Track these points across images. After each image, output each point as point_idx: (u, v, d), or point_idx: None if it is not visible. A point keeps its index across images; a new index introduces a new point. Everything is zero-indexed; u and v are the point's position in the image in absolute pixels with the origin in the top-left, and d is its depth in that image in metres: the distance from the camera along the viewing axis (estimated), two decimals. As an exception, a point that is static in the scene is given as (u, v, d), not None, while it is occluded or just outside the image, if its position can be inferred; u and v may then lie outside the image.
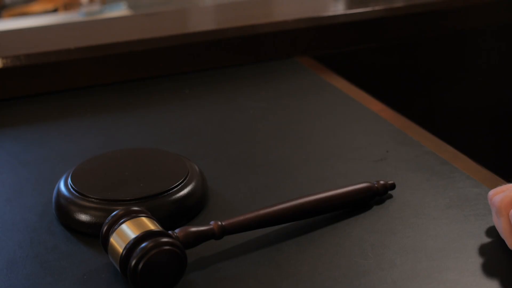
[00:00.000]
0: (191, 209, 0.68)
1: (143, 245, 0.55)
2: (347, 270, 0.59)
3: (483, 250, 0.61)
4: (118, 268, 0.57)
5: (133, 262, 0.55)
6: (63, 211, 0.67)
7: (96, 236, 0.64)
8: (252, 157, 0.81)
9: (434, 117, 1.33)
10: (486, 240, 0.62)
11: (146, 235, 0.56)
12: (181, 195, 0.67)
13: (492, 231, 0.64)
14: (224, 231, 0.61)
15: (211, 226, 0.60)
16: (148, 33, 1.12)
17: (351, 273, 0.58)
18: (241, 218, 0.62)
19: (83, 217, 0.65)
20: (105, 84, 1.06)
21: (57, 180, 0.71)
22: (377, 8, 1.22)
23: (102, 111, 0.97)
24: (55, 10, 3.18)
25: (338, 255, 0.61)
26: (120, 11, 2.91)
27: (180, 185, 0.68)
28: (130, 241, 0.56)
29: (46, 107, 0.99)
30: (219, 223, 0.61)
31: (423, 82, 1.33)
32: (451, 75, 1.35)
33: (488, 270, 0.58)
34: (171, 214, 0.66)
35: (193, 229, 0.60)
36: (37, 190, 0.74)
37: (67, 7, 3.20)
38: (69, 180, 0.68)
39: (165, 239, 0.56)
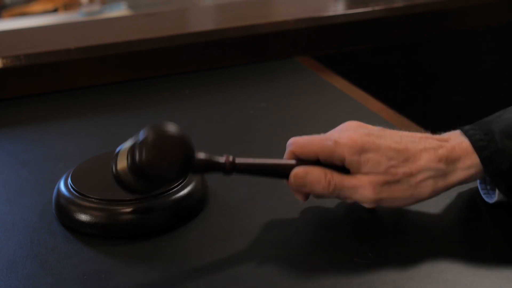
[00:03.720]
0: (191, 209, 0.68)
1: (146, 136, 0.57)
2: (347, 270, 0.59)
3: (483, 250, 0.61)
4: (128, 169, 0.58)
5: (137, 152, 0.57)
6: (63, 211, 0.67)
7: (96, 236, 0.64)
8: (252, 157, 0.81)
9: (434, 117, 1.33)
10: (487, 240, 0.62)
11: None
12: (181, 195, 0.67)
13: (492, 232, 0.64)
14: (235, 168, 0.62)
15: (223, 160, 0.62)
16: (148, 33, 1.12)
17: (351, 273, 0.58)
18: (252, 160, 0.64)
19: (83, 217, 0.65)
20: (105, 84, 1.06)
21: (57, 180, 0.71)
22: (377, 8, 1.22)
23: (102, 111, 0.97)
24: (55, 10, 3.18)
25: (338, 255, 0.61)
26: (120, 11, 2.91)
27: (180, 185, 0.67)
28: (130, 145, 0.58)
29: (46, 107, 0.99)
30: (231, 158, 0.62)
31: (423, 82, 1.33)
32: (451, 75, 1.35)
33: (488, 270, 0.58)
34: (171, 214, 0.66)
35: (205, 156, 0.61)
36: (37, 190, 0.74)
37: (67, 7, 3.20)
38: (69, 180, 0.68)
39: (164, 128, 0.58)
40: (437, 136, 0.64)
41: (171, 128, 0.59)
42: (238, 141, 0.86)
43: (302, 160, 0.65)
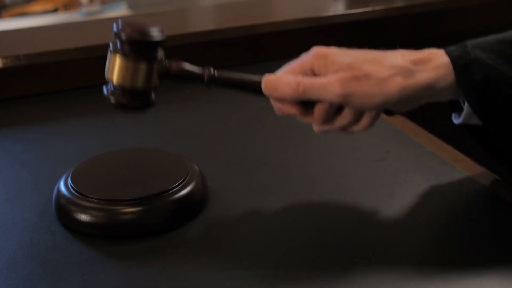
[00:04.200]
0: (191, 209, 0.68)
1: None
2: (347, 270, 0.59)
3: (484, 250, 0.61)
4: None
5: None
6: (63, 211, 0.67)
7: (96, 236, 0.64)
8: (252, 157, 0.81)
9: (434, 117, 1.33)
10: (487, 240, 0.62)
11: None
12: (181, 195, 0.67)
13: (492, 231, 0.64)
14: (213, 80, 0.65)
15: (202, 71, 0.65)
16: (148, 33, 1.12)
17: (351, 273, 0.58)
18: (231, 74, 0.66)
19: (83, 217, 0.65)
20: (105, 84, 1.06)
21: (57, 180, 0.71)
22: (377, 8, 1.22)
23: (102, 111, 0.97)
24: (55, 10, 3.18)
25: (338, 255, 0.61)
26: (120, 11, 2.91)
27: (180, 185, 0.67)
28: None
29: (46, 107, 0.99)
30: (211, 70, 0.65)
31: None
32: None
33: (488, 270, 0.58)
34: (171, 214, 0.66)
35: (188, 66, 0.65)
36: (37, 190, 0.74)
37: (67, 7, 3.20)
38: (69, 180, 0.68)
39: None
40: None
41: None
42: (238, 141, 0.86)
43: None
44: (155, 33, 0.62)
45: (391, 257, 0.60)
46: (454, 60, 0.62)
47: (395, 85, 0.61)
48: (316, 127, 0.67)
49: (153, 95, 0.66)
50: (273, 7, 1.36)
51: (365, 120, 0.65)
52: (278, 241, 0.63)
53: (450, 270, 0.58)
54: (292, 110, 0.65)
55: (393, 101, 0.62)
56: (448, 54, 0.63)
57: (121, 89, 0.63)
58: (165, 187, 0.67)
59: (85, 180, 0.69)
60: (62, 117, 0.96)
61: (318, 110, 0.64)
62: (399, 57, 0.63)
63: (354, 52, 0.63)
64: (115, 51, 0.62)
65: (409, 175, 0.75)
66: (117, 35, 0.62)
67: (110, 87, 0.64)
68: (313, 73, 0.63)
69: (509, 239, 0.63)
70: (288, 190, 0.72)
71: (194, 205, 0.68)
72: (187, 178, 0.69)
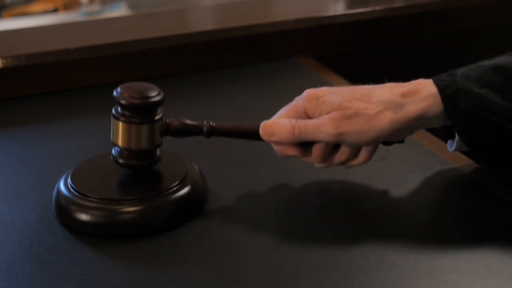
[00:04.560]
0: (191, 208, 0.68)
1: None
2: (347, 270, 0.59)
3: (484, 250, 0.61)
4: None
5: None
6: (63, 211, 0.67)
7: (96, 236, 0.64)
8: (252, 157, 0.81)
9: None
10: (487, 240, 0.62)
11: None
12: (180, 195, 0.67)
13: (493, 232, 0.64)
14: (213, 131, 0.68)
15: (202, 124, 0.68)
16: (148, 33, 1.12)
17: (351, 273, 0.58)
18: (229, 125, 0.70)
19: (83, 216, 0.65)
20: (105, 84, 1.06)
21: (57, 180, 0.71)
22: (377, 8, 1.22)
23: (102, 111, 0.97)
24: (55, 10, 3.18)
25: (338, 255, 0.61)
26: (120, 11, 2.91)
27: (180, 185, 0.67)
28: None
29: (46, 107, 0.99)
30: (210, 123, 0.68)
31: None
32: (451, 75, 1.34)
33: (488, 270, 0.58)
34: (171, 214, 0.66)
35: (188, 121, 0.68)
36: (37, 190, 0.74)
37: (67, 7, 3.20)
38: (69, 180, 0.68)
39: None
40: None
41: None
42: (238, 141, 0.86)
43: None
44: (154, 95, 0.65)
45: (391, 256, 0.60)
46: (441, 90, 0.64)
47: (385, 119, 0.64)
48: (317, 165, 0.70)
49: (158, 151, 0.69)
50: (273, 7, 1.36)
51: (363, 154, 0.68)
52: (278, 241, 0.63)
53: (449, 269, 0.58)
54: (291, 151, 0.68)
55: (386, 135, 0.65)
56: (436, 83, 0.64)
57: (127, 151, 0.67)
58: (165, 186, 0.67)
59: (85, 180, 0.69)
60: (62, 117, 0.96)
61: (316, 150, 0.67)
62: (387, 91, 0.65)
63: (344, 90, 0.66)
64: (117, 116, 0.66)
65: (409, 175, 0.75)
66: (117, 100, 0.65)
67: (117, 149, 0.67)
68: (307, 116, 0.66)
69: (509, 238, 0.63)
70: (288, 190, 0.72)
71: (194, 204, 0.68)
72: (187, 178, 0.69)
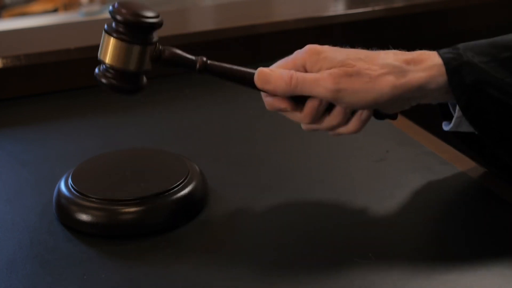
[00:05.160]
0: (191, 209, 0.68)
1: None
2: (347, 270, 0.59)
3: (483, 250, 0.61)
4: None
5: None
6: (63, 211, 0.67)
7: (96, 236, 0.64)
8: (252, 157, 0.81)
9: (434, 117, 1.33)
10: (486, 240, 0.62)
11: None
12: (181, 195, 0.67)
13: (492, 232, 0.64)
14: (206, 68, 0.65)
15: (196, 58, 0.64)
16: (148, 33, 1.12)
17: (351, 273, 0.58)
18: (224, 64, 0.67)
19: (84, 217, 0.65)
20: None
21: (57, 180, 0.71)
22: (377, 8, 1.22)
23: (102, 111, 0.97)
24: (55, 10, 3.19)
25: (338, 255, 0.61)
26: (120, 11, 2.91)
27: (180, 185, 0.68)
28: None
29: (46, 107, 0.99)
30: (204, 59, 0.64)
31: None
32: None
33: (488, 270, 0.58)
34: (171, 214, 0.66)
35: (181, 52, 0.64)
36: (37, 190, 0.74)
37: (67, 7, 3.20)
38: (70, 180, 0.68)
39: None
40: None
41: None
42: (238, 141, 0.86)
43: None
44: (151, 16, 0.62)
45: (391, 257, 0.60)
46: (446, 61, 0.62)
47: (387, 83, 0.62)
48: (304, 125, 0.67)
49: (144, 79, 0.66)
50: (273, 7, 1.36)
51: (354, 122, 0.65)
52: (278, 241, 0.63)
53: (449, 269, 0.58)
54: (283, 104, 0.65)
55: (384, 100, 0.62)
56: (441, 55, 0.63)
57: (113, 70, 0.63)
58: (165, 187, 0.67)
59: (85, 180, 0.69)
60: (62, 117, 0.96)
61: (309, 106, 0.64)
62: (391, 56, 0.63)
63: (347, 50, 0.64)
64: (110, 31, 0.62)
65: (409, 175, 0.75)
66: (112, 15, 0.61)
67: (102, 67, 0.64)
68: (305, 70, 0.64)
69: (508, 238, 0.63)
70: (288, 190, 0.72)
71: (194, 205, 0.68)
72: (187, 178, 0.69)
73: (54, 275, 0.59)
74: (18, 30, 1.29)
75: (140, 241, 0.64)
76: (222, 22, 1.22)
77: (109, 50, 0.62)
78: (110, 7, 0.61)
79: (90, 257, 0.62)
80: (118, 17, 0.61)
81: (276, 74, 0.64)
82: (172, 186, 0.67)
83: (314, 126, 0.66)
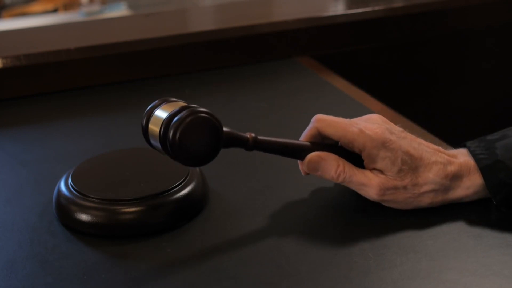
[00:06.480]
0: (192, 209, 0.68)
1: (179, 116, 0.57)
2: (347, 270, 0.59)
3: (483, 250, 0.61)
4: (160, 147, 0.58)
5: (171, 133, 0.57)
6: (63, 211, 0.67)
7: (96, 236, 0.64)
8: (252, 157, 0.81)
9: (434, 117, 1.33)
10: (487, 240, 0.62)
11: (180, 109, 0.58)
12: (181, 195, 0.67)
13: (493, 231, 0.64)
14: (256, 144, 0.64)
15: (247, 135, 0.64)
16: (148, 33, 1.12)
17: (351, 273, 0.58)
18: (273, 139, 0.66)
19: (84, 217, 0.65)
20: (105, 84, 1.06)
21: (57, 180, 0.71)
22: (377, 8, 1.22)
23: (102, 111, 0.97)
24: (55, 10, 3.19)
25: (338, 255, 0.61)
26: (120, 11, 2.91)
27: (180, 185, 0.68)
28: (165, 117, 0.58)
29: (46, 107, 0.99)
30: (253, 135, 0.64)
31: (423, 82, 1.33)
32: (451, 75, 1.35)
33: (488, 270, 0.58)
34: (172, 214, 0.66)
35: (230, 131, 0.63)
36: (37, 190, 0.74)
37: (67, 7, 3.20)
38: (70, 180, 0.68)
39: (200, 109, 0.58)
40: (447, 152, 0.67)
41: (203, 110, 0.60)
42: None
43: (318, 144, 0.67)
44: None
45: (391, 257, 0.60)
46: (489, 186, 0.64)
47: (427, 199, 0.65)
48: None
49: None
50: (273, 7, 1.36)
51: None
52: (278, 241, 0.63)
53: (450, 270, 0.58)
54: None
55: (419, 208, 0.66)
56: (483, 175, 0.64)
57: None
58: (165, 187, 0.67)
59: (85, 180, 0.69)
60: (62, 117, 0.96)
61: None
62: (441, 168, 0.64)
63: (406, 145, 0.64)
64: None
65: (409, 175, 0.74)
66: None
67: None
68: (361, 152, 0.65)
69: (508, 239, 0.63)
70: (289, 190, 0.72)
71: (194, 205, 0.68)
72: (187, 178, 0.69)
73: (54, 275, 0.59)
74: (18, 30, 1.29)
75: (140, 241, 0.64)
76: (222, 22, 1.22)
77: None
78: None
79: (90, 257, 0.62)
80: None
81: (326, 166, 0.65)
82: (172, 186, 0.67)
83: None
